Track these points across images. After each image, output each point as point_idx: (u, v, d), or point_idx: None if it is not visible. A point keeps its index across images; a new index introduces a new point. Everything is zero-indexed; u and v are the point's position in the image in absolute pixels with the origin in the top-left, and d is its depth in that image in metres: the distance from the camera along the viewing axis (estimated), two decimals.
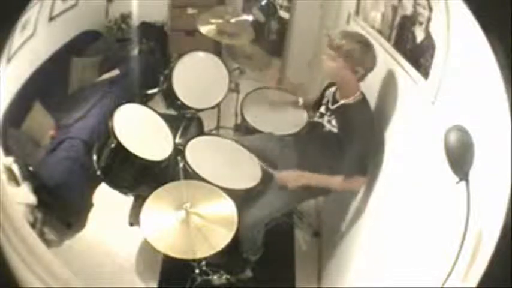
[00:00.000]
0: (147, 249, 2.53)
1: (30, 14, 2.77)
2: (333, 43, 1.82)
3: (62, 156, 2.64)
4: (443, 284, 1.03)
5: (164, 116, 2.48)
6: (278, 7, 4.17)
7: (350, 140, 1.85)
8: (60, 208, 2.59)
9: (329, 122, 1.99)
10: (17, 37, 2.63)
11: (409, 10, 1.65)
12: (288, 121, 2.57)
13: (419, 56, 1.49)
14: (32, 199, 2.34)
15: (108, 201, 2.58)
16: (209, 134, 3.06)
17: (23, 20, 2.52)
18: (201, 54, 2.93)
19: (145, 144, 2.18)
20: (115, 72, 3.59)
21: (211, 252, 1.71)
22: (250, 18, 3.46)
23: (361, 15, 2.39)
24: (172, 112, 2.88)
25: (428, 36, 1.44)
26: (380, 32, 2.01)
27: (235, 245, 1.90)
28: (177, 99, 2.74)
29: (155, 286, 2.41)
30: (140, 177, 2.22)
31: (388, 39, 1.88)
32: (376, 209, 1.82)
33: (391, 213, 1.62)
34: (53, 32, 3.26)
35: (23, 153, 2.51)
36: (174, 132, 2.49)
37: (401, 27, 1.75)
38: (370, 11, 2.22)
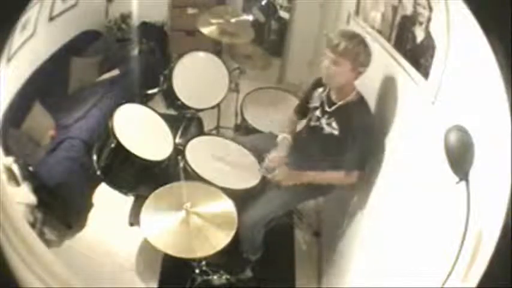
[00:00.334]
0: (147, 249, 2.53)
1: (30, 14, 2.77)
2: (336, 47, 1.77)
3: (62, 156, 2.64)
4: (443, 284, 1.03)
5: (164, 116, 2.49)
6: (278, 7, 4.17)
7: (351, 140, 1.85)
8: (60, 208, 2.59)
9: (329, 124, 1.97)
10: (17, 37, 2.63)
11: (409, 10, 1.65)
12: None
13: (419, 56, 1.49)
14: (32, 199, 2.34)
15: (108, 201, 2.59)
16: (209, 134, 3.06)
17: (23, 20, 2.52)
18: (201, 54, 2.93)
19: (145, 144, 2.19)
20: (115, 72, 3.59)
21: (211, 252, 1.72)
22: (250, 18, 3.47)
23: (361, 15, 2.39)
24: (172, 112, 2.88)
25: (428, 36, 1.44)
26: (380, 32, 2.01)
27: (235, 245, 1.90)
28: (177, 99, 2.74)
29: (155, 286, 2.41)
30: (140, 177, 2.22)
31: (388, 39, 1.87)
32: (376, 209, 1.82)
33: (391, 213, 1.62)
34: (53, 32, 3.26)
35: (23, 153, 2.51)
36: (174, 132, 2.49)
37: (401, 27, 1.75)
38: (370, 11, 2.22)
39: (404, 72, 1.64)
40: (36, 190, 2.38)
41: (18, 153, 2.43)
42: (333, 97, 1.98)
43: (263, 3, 4.12)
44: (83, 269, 2.17)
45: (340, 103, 1.94)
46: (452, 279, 1.01)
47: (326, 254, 2.56)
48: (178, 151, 2.23)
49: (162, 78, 2.83)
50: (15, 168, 2.31)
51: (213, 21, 2.98)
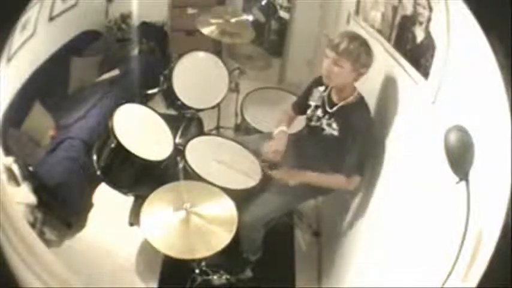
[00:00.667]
0: (147, 249, 2.53)
1: (30, 14, 2.77)
2: (337, 47, 1.77)
3: (62, 156, 2.64)
4: (443, 284, 1.03)
5: (164, 116, 2.48)
6: (278, 7, 4.17)
7: (351, 141, 1.85)
8: (60, 208, 2.58)
9: (329, 125, 1.97)
10: (17, 37, 2.63)
11: (409, 10, 1.65)
12: None
13: (419, 56, 1.49)
14: (32, 199, 2.34)
15: (108, 201, 2.58)
16: (209, 134, 3.06)
17: (23, 20, 2.52)
18: (201, 54, 2.93)
19: (145, 144, 2.18)
20: (115, 72, 3.59)
21: (211, 252, 1.71)
22: (250, 18, 3.47)
23: (361, 15, 2.39)
24: (172, 112, 2.88)
25: (428, 36, 1.44)
26: (380, 32, 2.01)
27: (235, 245, 1.89)
28: (177, 99, 2.74)
29: (155, 286, 2.41)
30: (140, 177, 2.22)
31: (388, 39, 1.87)
32: (376, 209, 1.82)
33: (391, 213, 1.62)
34: (53, 32, 3.26)
35: (23, 153, 2.51)
36: (174, 132, 2.49)
37: (401, 27, 1.75)
38: (370, 11, 2.22)
39: (404, 72, 1.63)
40: (36, 190, 2.39)
41: (18, 153, 2.43)
42: (334, 98, 1.98)
43: (263, 3, 4.12)
44: (83, 269, 2.17)
45: (341, 104, 1.94)
46: (452, 279, 1.01)
47: (326, 254, 2.56)
48: (178, 151, 2.22)
49: (162, 78, 2.83)
50: (15, 168, 2.31)
51: (213, 21, 2.98)
